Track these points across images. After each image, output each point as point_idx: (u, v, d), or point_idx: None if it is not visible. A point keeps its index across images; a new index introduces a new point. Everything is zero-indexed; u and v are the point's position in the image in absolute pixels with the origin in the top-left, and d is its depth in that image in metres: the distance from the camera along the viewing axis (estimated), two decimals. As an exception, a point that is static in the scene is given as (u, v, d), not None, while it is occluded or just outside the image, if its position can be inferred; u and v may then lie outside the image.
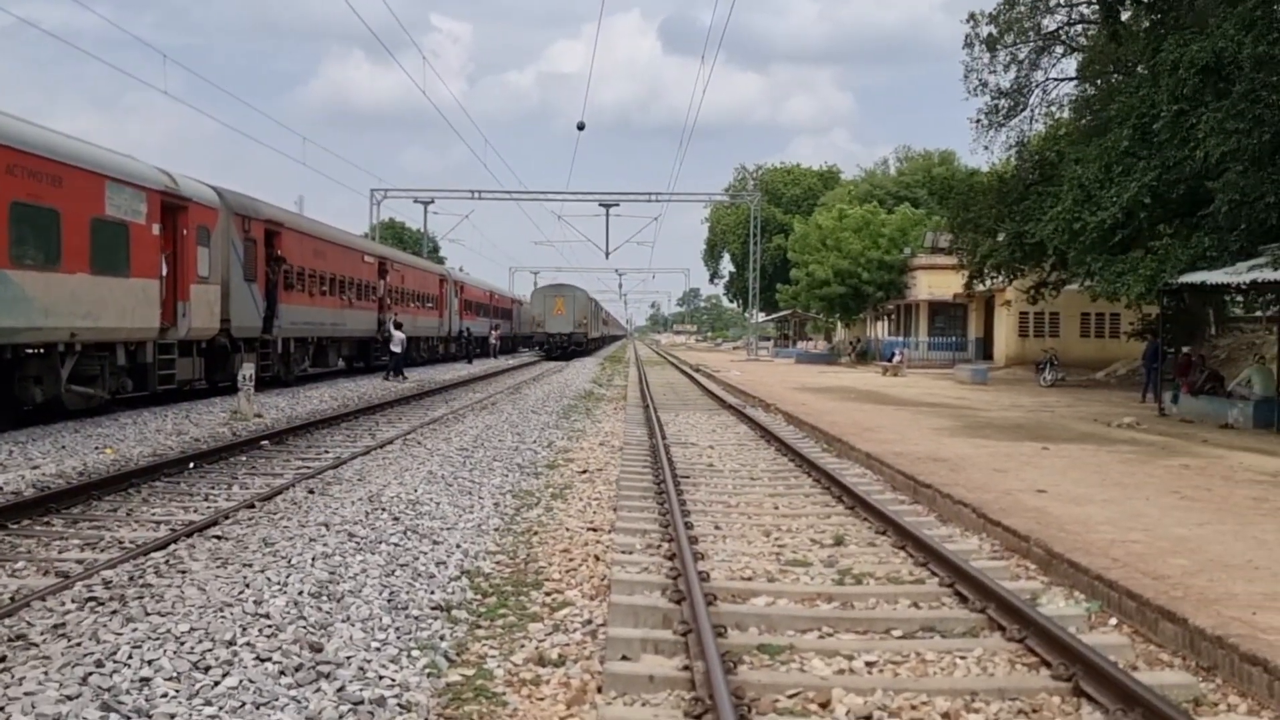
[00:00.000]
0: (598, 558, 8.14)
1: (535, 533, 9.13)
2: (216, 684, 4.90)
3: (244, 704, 4.71)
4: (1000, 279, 33.11)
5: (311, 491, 10.49)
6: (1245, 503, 10.08)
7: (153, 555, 7.57)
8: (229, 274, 21.97)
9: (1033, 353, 39.06)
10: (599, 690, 5.30)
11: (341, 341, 31.92)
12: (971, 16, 32.51)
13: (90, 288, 16.32)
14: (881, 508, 9.54)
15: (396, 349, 31.61)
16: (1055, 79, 33.60)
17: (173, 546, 7.90)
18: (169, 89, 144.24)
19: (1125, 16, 29.02)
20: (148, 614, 5.92)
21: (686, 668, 5.46)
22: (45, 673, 4.97)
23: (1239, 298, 28.64)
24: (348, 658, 5.39)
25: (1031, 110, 33.33)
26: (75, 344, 16.24)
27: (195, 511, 9.67)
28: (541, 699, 5.20)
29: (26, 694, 4.67)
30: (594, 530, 9.22)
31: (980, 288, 36.12)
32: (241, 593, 6.35)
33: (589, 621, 6.45)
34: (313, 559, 7.28)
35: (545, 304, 58.20)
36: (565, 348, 56.77)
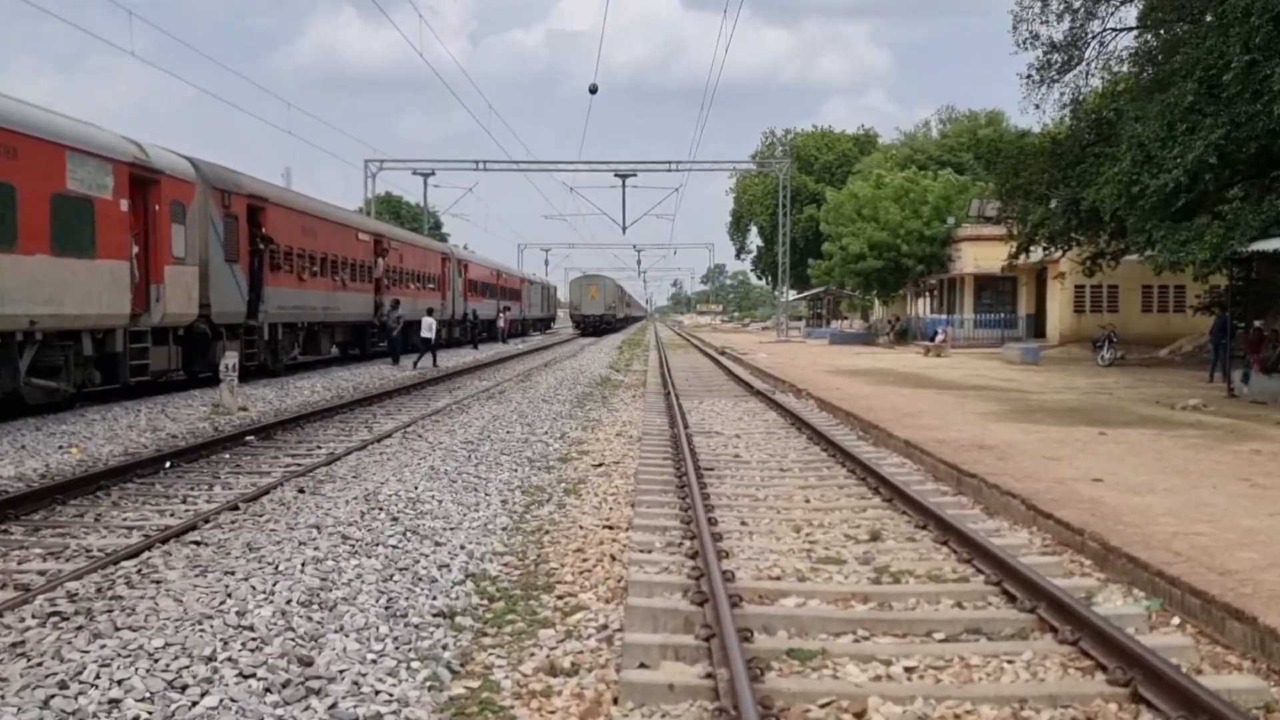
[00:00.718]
0: (614, 557, 8.16)
1: (546, 532, 9.16)
2: (194, 704, 4.89)
3: (226, 724, 4.71)
4: (1053, 250, 32.91)
5: (301, 491, 10.54)
6: (1323, 490, 10.01)
7: (123, 564, 7.56)
8: (208, 254, 22.04)
9: (1089, 329, 38.87)
10: (615, 701, 5.31)
11: (334, 327, 32.06)
12: (1021, -39, 32.17)
13: (51, 270, 16.30)
14: (922, 499, 9.53)
15: (428, 334, 32.71)
16: (1113, 29, 33.17)
17: (146, 554, 7.91)
18: (136, 50, 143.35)
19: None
20: (117, 629, 5.90)
21: (710, 675, 5.46)
22: (2, 696, 4.92)
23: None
24: (341, 672, 5.41)
25: (1087, 64, 32.92)
26: (35, 332, 16.17)
27: (172, 515, 9.70)
28: (553, 712, 5.21)
29: (-18, 719, 4.66)
30: (610, 528, 9.25)
31: (1031, 259, 35.91)
32: (223, 603, 6.37)
33: (604, 626, 6.47)
34: (302, 564, 7.30)
35: (581, 291, 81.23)
36: (598, 326, 78.90)
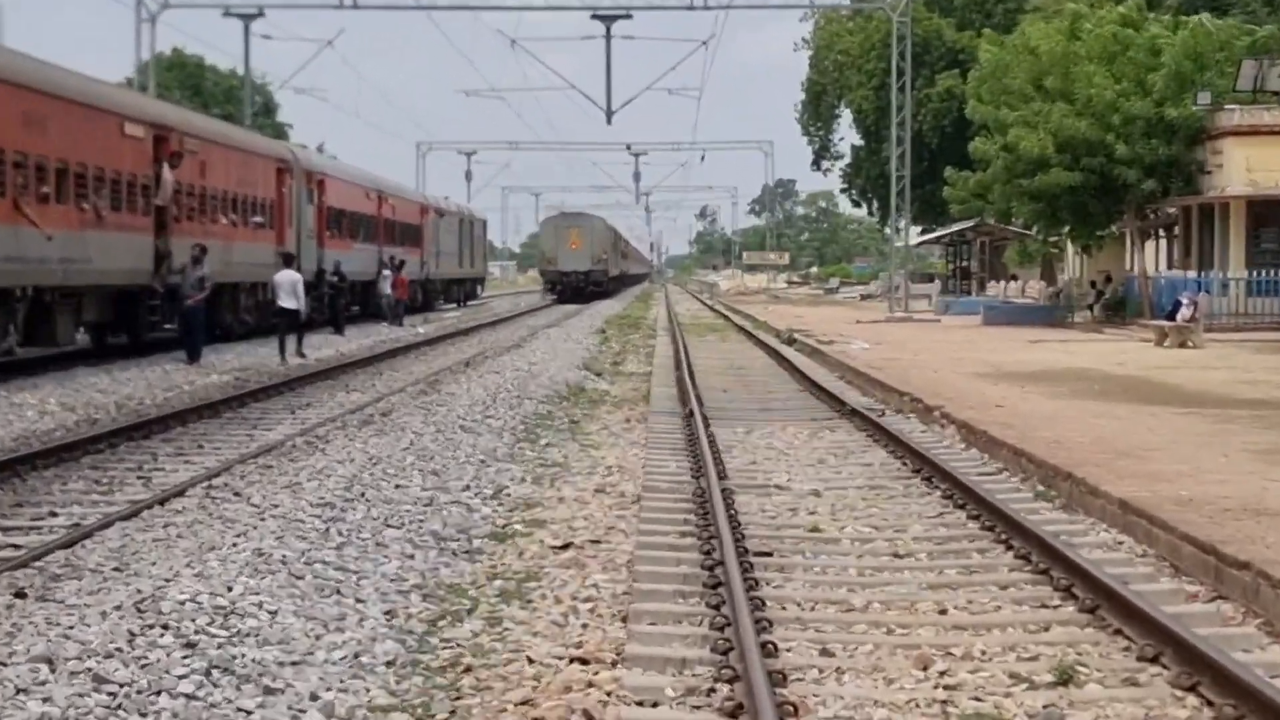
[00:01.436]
0: (591, 716, 8.16)
1: (468, 669, 9.16)
2: None
3: None
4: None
5: (21, 595, 10.54)
6: None
7: None
8: None
9: None
10: None
11: (82, 295, 31.94)
12: None
13: None
14: (1150, 610, 9.52)
15: (289, 302, 33.41)
16: None
17: None
18: None
19: None
20: None
21: None
22: None
23: None
24: None
25: None
26: None
27: None
28: None
29: None
30: (583, 662, 9.24)
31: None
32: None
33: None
34: (24, 730, 7.32)
35: (557, 237, 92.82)
36: (582, 288, 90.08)
